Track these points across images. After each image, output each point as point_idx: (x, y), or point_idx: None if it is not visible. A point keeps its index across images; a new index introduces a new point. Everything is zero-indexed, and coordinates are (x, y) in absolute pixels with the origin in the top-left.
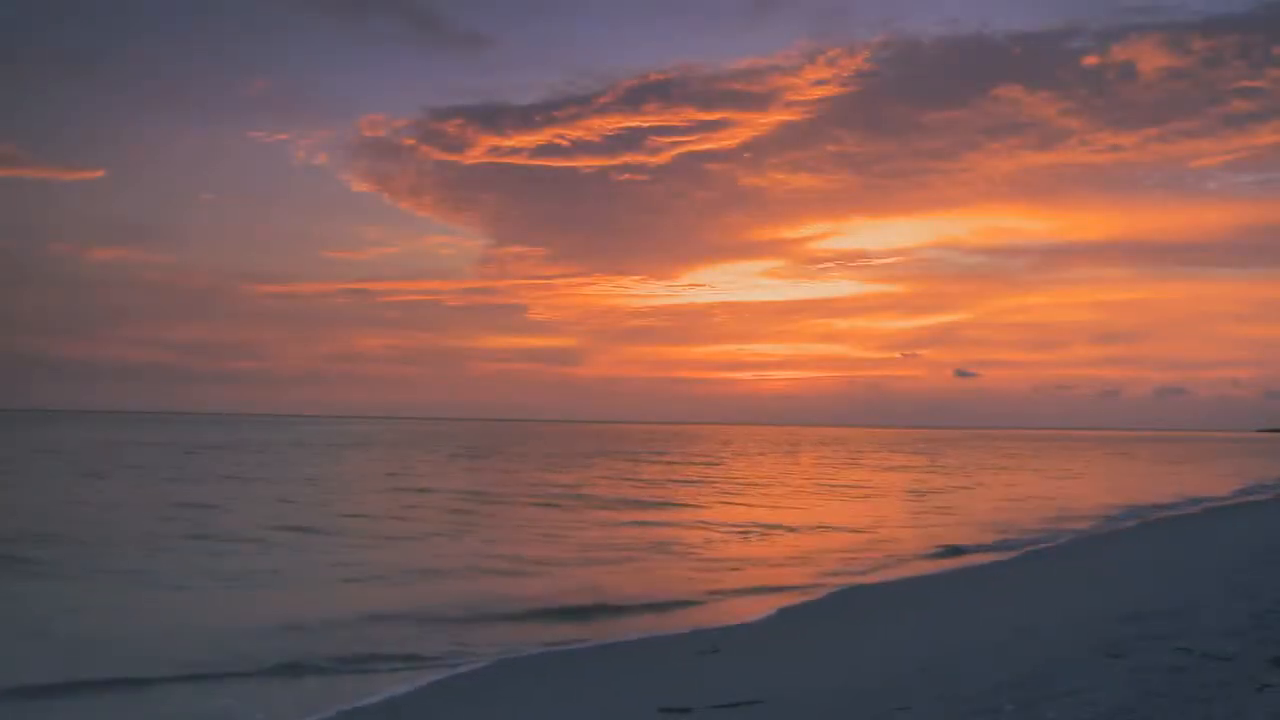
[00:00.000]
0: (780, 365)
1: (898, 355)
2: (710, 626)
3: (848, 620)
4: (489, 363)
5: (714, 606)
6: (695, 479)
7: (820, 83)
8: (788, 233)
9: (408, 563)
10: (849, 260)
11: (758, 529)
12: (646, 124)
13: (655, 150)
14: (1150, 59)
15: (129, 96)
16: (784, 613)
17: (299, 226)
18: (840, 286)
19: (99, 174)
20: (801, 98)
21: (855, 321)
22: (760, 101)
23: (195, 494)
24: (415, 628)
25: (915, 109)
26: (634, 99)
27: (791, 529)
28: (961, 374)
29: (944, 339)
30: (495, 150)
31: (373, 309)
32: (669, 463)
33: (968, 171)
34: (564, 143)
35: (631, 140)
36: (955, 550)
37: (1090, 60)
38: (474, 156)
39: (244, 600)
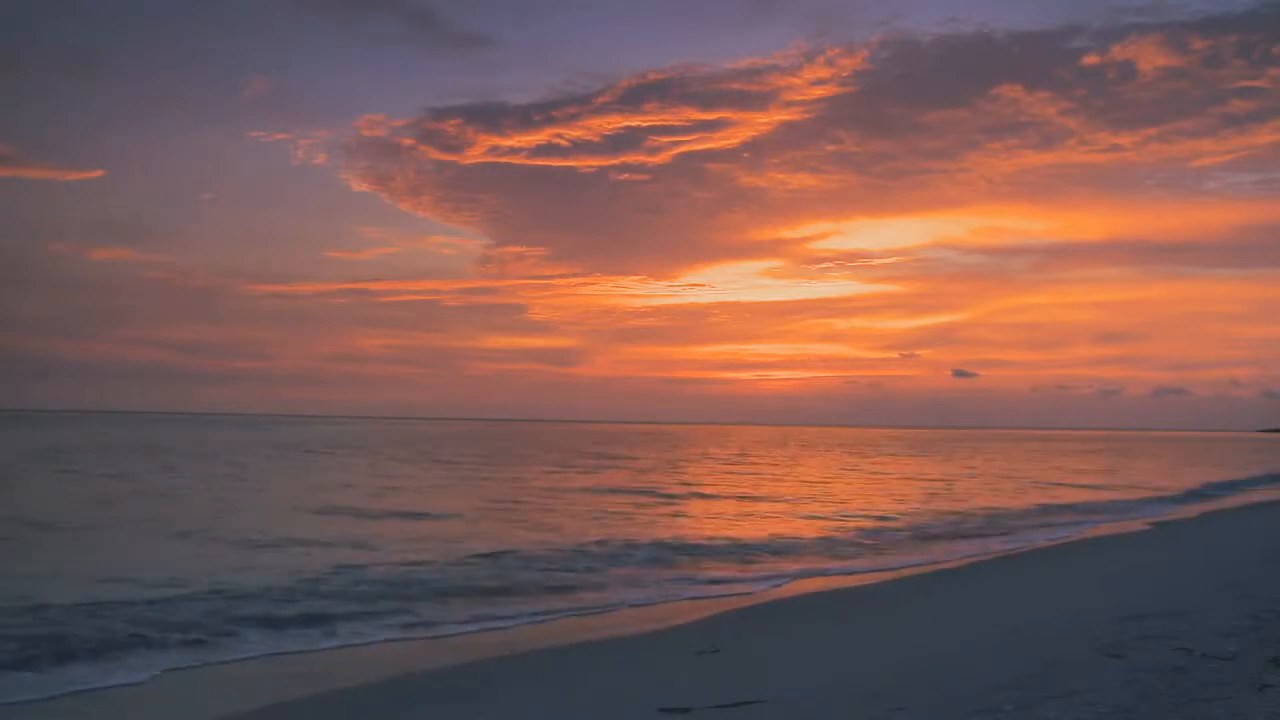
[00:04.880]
0: (780, 365)
1: (897, 355)
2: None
3: (847, 620)
4: (489, 363)
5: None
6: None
7: (819, 82)
8: (787, 233)
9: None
10: (849, 260)
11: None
12: (646, 124)
13: (655, 150)
14: (1150, 59)
15: (129, 96)
16: (783, 611)
17: (299, 226)
18: (840, 286)
19: (99, 174)
20: (801, 97)
21: (855, 321)
22: (760, 101)
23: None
24: None
25: (915, 109)
26: (633, 99)
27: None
28: (961, 374)
29: (943, 339)
30: (495, 150)
31: (373, 309)
32: (630, 467)
33: (968, 171)
34: (563, 143)
35: (631, 140)
36: None
37: (1090, 60)
38: (473, 156)
39: None
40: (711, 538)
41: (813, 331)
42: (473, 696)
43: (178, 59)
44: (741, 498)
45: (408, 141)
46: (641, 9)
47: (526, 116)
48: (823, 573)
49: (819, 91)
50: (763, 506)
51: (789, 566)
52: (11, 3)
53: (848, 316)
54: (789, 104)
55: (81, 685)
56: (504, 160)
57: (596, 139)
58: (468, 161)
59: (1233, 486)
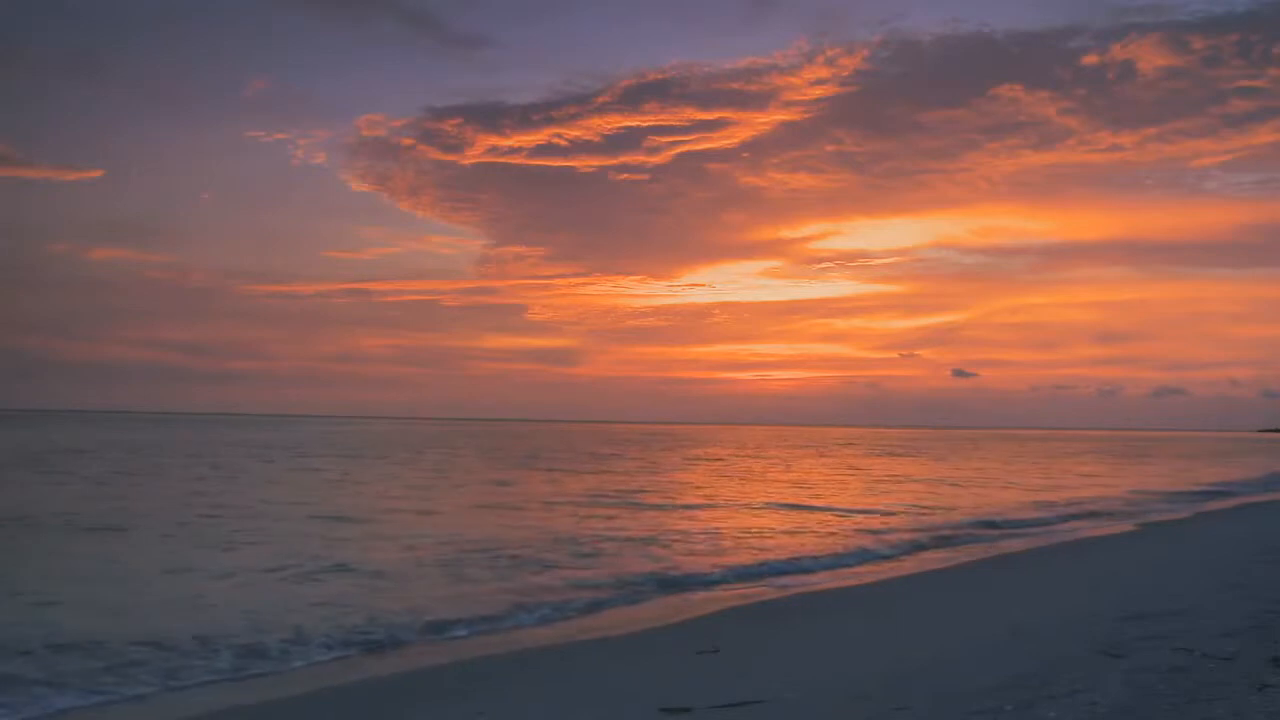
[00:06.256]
0: (780, 365)
1: (897, 355)
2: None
3: (847, 619)
4: (489, 363)
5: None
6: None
7: (819, 82)
8: (787, 233)
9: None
10: (849, 260)
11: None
12: (645, 124)
13: (654, 150)
14: (1150, 59)
15: (129, 96)
16: (783, 611)
17: (299, 226)
18: (840, 286)
19: (99, 174)
20: (800, 97)
21: (855, 321)
22: (759, 101)
23: None
24: None
25: (915, 109)
26: (633, 98)
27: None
28: (960, 374)
29: (943, 339)
30: (494, 150)
31: (373, 309)
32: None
33: (968, 171)
34: (563, 142)
35: (630, 140)
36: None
37: (1090, 60)
38: (473, 156)
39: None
40: (710, 535)
41: (813, 331)
42: (472, 696)
43: (178, 59)
44: (740, 500)
45: (408, 141)
46: (641, 9)
47: (526, 116)
48: (822, 573)
49: (819, 91)
50: (762, 503)
51: (788, 563)
52: (11, 3)
53: (848, 316)
54: (789, 104)
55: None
56: (504, 160)
57: (596, 139)
58: (467, 161)
59: (1242, 486)
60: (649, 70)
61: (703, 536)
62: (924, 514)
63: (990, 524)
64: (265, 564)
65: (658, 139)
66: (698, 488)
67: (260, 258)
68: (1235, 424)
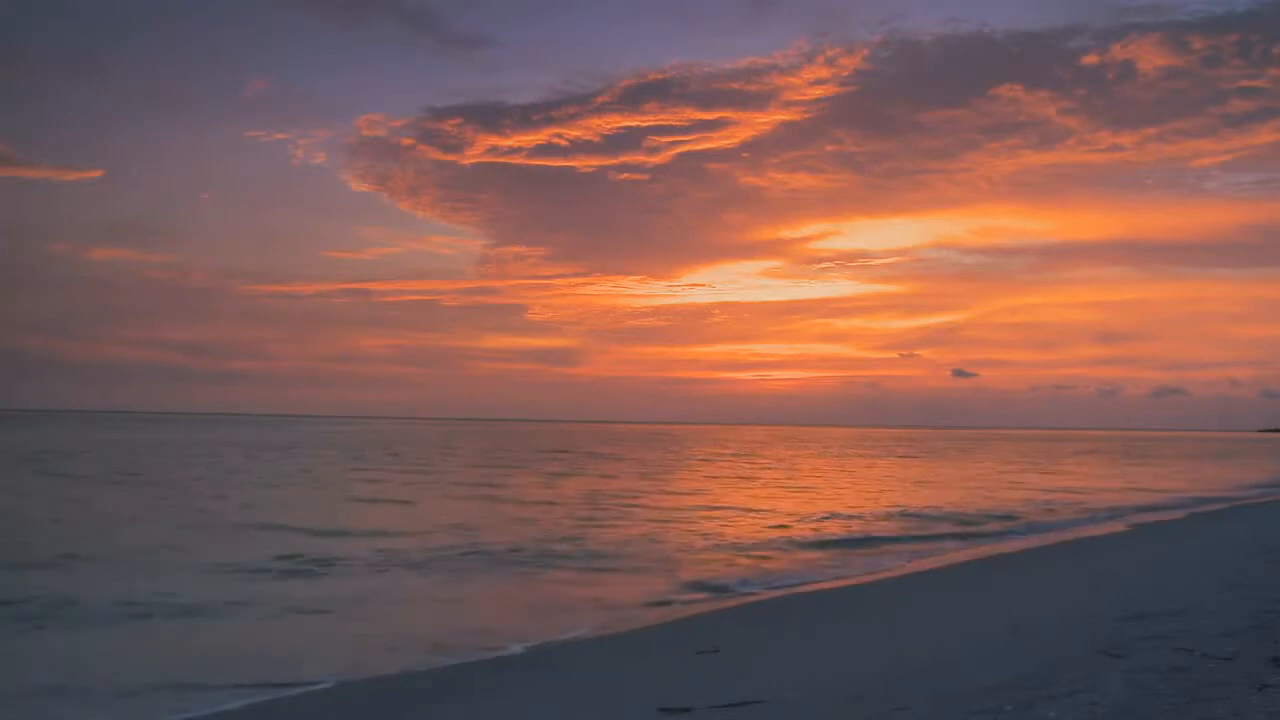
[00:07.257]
0: (780, 365)
1: (897, 355)
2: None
3: (847, 619)
4: (489, 363)
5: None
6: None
7: (819, 82)
8: (787, 232)
9: None
10: (848, 260)
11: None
12: (645, 124)
13: (654, 150)
14: (1150, 58)
15: (129, 96)
16: (783, 611)
17: (299, 226)
18: (840, 286)
19: (99, 174)
20: (800, 97)
21: (854, 321)
22: (759, 101)
23: None
24: None
25: (915, 109)
26: (632, 98)
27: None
28: (960, 374)
29: (943, 339)
30: (494, 150)
31: (373, 309)
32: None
33: (967, 171)
34: (563, 142)
35: (630, 140)
36: None
37: (1090, 60)
38: (473, 156)
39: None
40: (709, 537)
41: (813, 331)
42: (473, 696)
43: (178, 59)
44: (739, 503)
45: (408, 141)
46: (641, 9)
47: (526, 116)
48: (822, 574)
49: (819, 91)
50: (764, 506)
51: (790, 566)
52: (11, 3)
53: (848, 316)
54: (789, 104)
55: None
56: (503, 160)
57: (596, 139)
58: (467, 161)
59: (1251, 490)
60: (649, 70)
61: (702, 538)
62: (924, 515)
63: (990, 524)
64: (260, 571)
65: (658, 139)
66: (698, 490)
67: (260, 258)
68: (1235, 424)
